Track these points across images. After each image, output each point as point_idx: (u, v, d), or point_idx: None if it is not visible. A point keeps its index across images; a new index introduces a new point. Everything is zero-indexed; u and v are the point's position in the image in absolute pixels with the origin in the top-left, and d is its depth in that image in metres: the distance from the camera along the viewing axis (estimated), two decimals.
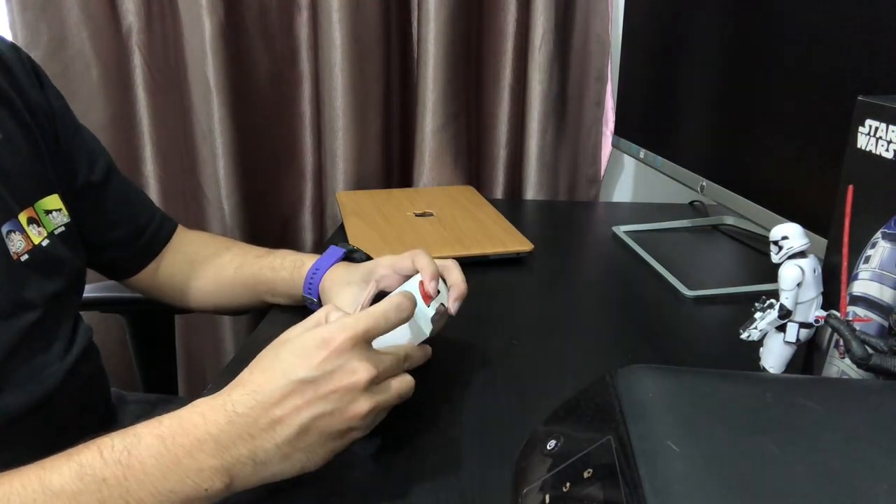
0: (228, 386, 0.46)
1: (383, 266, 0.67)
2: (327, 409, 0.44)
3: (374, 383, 0.46)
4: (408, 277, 0.63)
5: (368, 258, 0.74)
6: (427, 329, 0.56)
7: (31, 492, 0.40)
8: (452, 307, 0.61)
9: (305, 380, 0.44)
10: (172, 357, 1.04)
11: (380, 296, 0.64)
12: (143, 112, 1.22)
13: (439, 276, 0.61)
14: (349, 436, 0.46)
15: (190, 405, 0.45)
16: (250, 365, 0.47)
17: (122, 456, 0.41)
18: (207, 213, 1.25)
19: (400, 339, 0.53)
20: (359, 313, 0.48)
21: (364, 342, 0.46)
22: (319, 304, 0.72)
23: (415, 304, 0.51)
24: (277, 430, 0.43)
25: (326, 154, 1.24)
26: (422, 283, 0.59)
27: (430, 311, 0.57)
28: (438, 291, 0.59)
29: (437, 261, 0.63)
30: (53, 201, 0.65)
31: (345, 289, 0.68)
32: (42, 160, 0.65)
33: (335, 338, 0.45)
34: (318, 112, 1.24)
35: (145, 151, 1.24)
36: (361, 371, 0.45)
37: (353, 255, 0.75)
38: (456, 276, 0.63)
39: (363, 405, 0.45)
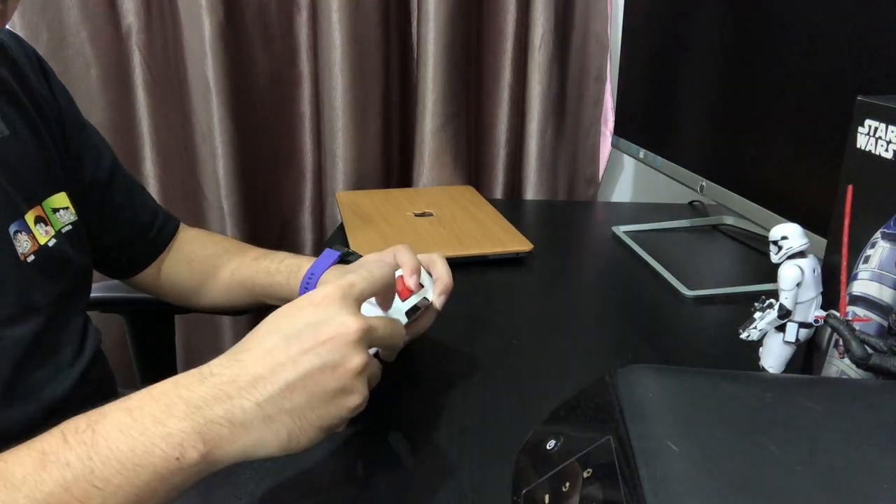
0: None
1: (373, 263, 0.67)
2: (316, 363, 0.40)
3: (366, 337, 0.42)
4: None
5: None
6: (402, 321, 0.55)
7: None
8: (437, 301, 0.60)
9: (289, 334, 0.41)
10: (172, 357, 1.04)
11: None
12: (142, 112, 1.22)
13: (422, 271, 0.60)
14: (344, 402, 0.41)
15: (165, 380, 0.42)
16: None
17: (86, 435, 0.38)
18: (207, 213, 1.25)
19: None
20: (346, 275, 0.46)
21: (352, 298, 0.43)
22: None
23: (394, 265, 0.49)
24: (259, 387, 0.39)
25: (326, 154, 1.24)
26: (400, 278, 0.58)
27: (405, 307, 0.56)
28: (422, 286, 0.58)
29: (422, 255, 0.62)
30: (61, 199, 0.64)
31: None
32: (50, 157, 0.64)
33: (319, 294, 0.43)
34: (318, 112, 1.24)
35: (145, 151, 1.24)
36: (351, 322, 0.41)
37: (349, 259, 0.75)
38: (440, 269, 0.62)
39: (355, 360, 0.41)
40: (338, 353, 0.40)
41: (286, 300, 0.74)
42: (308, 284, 0.71)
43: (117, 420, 0.39)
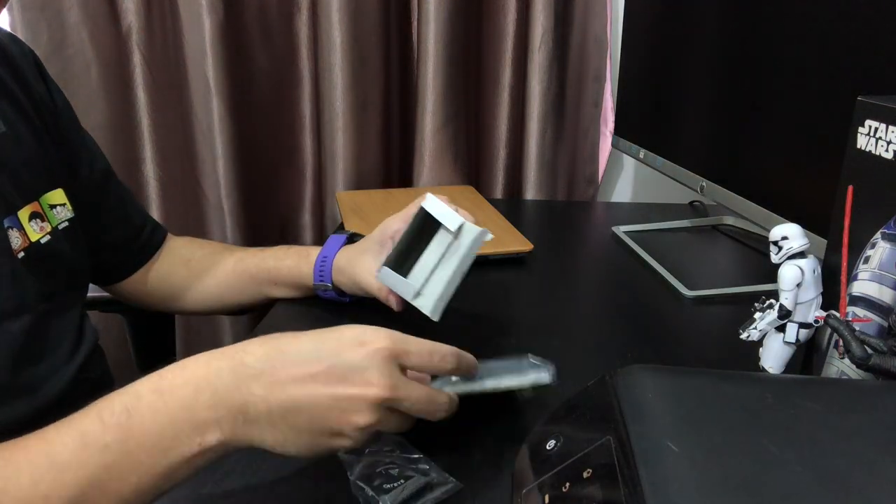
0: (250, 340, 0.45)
1: (396, 221, 0.68)
2: (328, 404, 0.42)
3: (387, 404, 0.44)
4: None
5: None
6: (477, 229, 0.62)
7: (39, 467, 0.40)
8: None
9: (325, 359, 0.43)
10: (172, 357, 1.04)
11: None
12: (142, 112, 1.22)
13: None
14: (336, 441, 0.44)
15: (201, 354, 0.44)
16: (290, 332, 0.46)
17: (122, 418, 0.41)
18: (207, 213, 1.25)
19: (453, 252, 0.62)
20: (406, 337, 0.46)
21: (397, 361, 0.45)
22: (334, 290, 0.73)
23: (458, 360, 0.49)
24: (276, 393, 0.42)
25: (326, 154, 1.24)
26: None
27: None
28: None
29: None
30: (58, 195, 0.64)
31: (362, 256, 0.69)
32: (47, 153, 0.64)
33: (373, 341, 0.44)
34: (318, 112, 1.24)
35: (145, 151, 1.24)
36: (378, 387, 0.43)
37: (354, 239, 0.76)
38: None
39: (363, 418, 0.43)
40: (349, 407, 0.43)
41: (294, 284, 0.75)
42: (323, 267, 0.73)
43: (150, 404, 0.41)
